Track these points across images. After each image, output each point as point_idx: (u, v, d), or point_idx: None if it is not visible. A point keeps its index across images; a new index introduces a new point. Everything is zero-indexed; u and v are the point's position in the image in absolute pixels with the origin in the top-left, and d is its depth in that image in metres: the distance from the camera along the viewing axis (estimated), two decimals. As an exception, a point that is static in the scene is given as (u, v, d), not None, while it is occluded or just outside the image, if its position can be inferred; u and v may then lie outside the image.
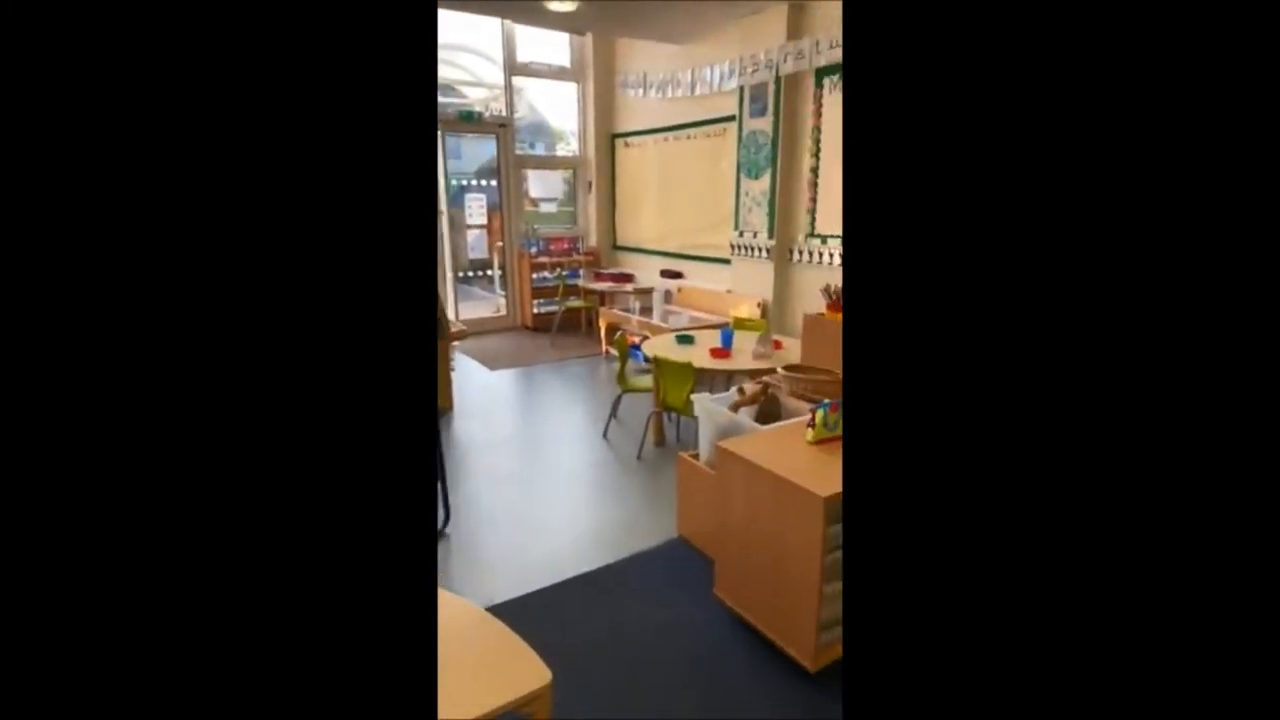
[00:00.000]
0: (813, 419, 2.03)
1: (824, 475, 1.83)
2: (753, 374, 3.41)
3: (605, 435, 3.82)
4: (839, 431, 2.07)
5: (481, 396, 4.67)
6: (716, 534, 2.23)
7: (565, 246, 7.01)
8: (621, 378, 3.74)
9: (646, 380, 3.68)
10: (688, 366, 3.20)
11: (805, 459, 1.97)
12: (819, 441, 2.04)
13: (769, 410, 2.55)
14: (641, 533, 2.72)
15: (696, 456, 2.59)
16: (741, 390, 2.60)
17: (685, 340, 3.84)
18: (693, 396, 2.58)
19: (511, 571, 2.44)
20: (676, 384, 3.31)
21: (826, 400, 2.08)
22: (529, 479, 3.31)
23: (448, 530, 2.73)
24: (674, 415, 3.69)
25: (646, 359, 3.57)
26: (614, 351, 3.91)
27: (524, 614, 2.18)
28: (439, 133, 5.91)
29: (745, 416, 2.47)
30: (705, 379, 3.81)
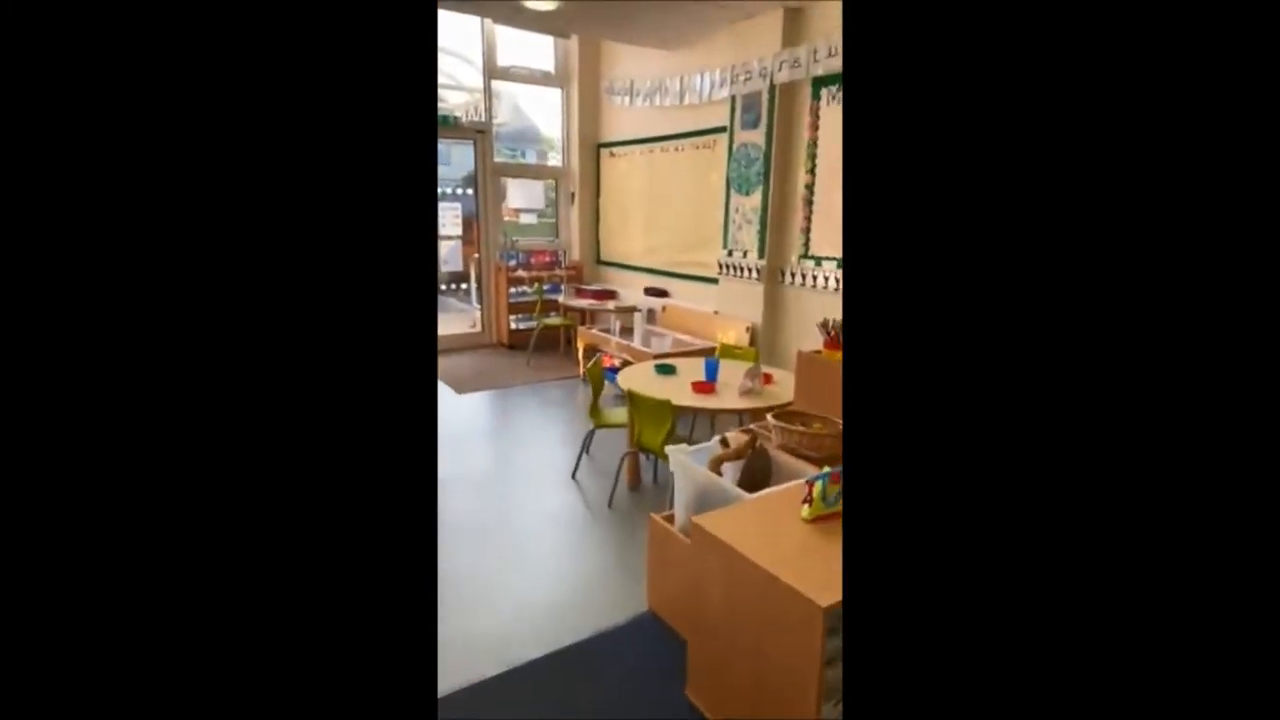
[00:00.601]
0: (809, 493, 1.68)
1: (824, 571, 1.47)
2: (739, 416, 3.07)
3: (574, 476, 3.45)
4: (839, 507, 1.72)
5: (443, 426, 4.29)
6: (691, 618, 1.86)
7: (547, 260, 6.64)
8: (595, 411, 3.37)
9: (622, 414, 3.32)
10: (665, 405, 2.84)
11: (799, 543, 1.61)
12: (816, 519, 1.69)
13: (757, 468, 2.19)
14: (608, 602, 2.35)
15: (671, 519, 2.23)
16: (725, 442, 2.24)
17: (666, 370, 3.47)
18: (669, 449, 2.21)
19: (455, 653, 2.06)
20: (653, 423, 2.95)
21: (826, 469, 1.73)
22: (487, 528, 2.93)
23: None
24: (652, 454, 3.33)
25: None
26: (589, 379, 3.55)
27: (462, 714, 1.81)
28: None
29: (729, 477, 2.11)
30: (687, 415, 3.45)
